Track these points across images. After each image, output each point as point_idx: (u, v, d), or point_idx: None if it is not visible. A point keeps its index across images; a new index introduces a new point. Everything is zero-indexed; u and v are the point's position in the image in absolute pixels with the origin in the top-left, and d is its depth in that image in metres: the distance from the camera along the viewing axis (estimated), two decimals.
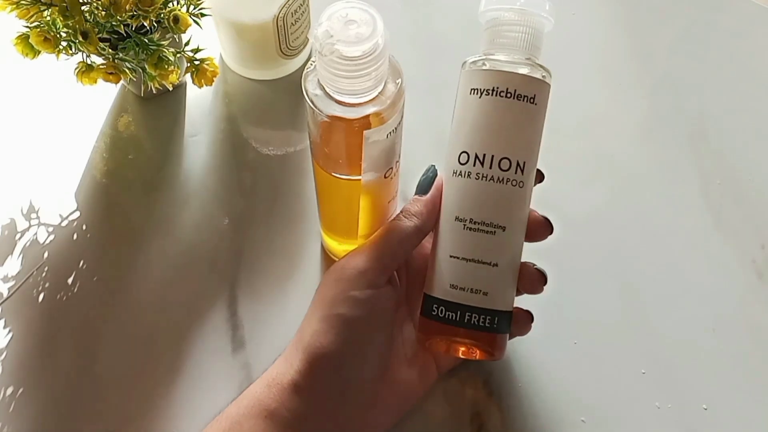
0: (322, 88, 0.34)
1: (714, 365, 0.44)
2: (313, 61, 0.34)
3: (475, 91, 0.36)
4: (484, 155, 0.36)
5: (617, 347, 0.44)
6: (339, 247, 0.45)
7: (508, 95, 0.35)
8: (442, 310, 0.37)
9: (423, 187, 0.38)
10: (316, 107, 0.34)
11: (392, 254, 0.38)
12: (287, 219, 0.48)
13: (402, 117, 0.37)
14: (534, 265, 0.39)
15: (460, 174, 0.37)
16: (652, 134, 0.52)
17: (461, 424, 0.42)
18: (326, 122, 0.35)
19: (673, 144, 0.52)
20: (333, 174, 0.38)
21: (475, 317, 0.36)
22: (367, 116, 0.34)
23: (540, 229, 0.38)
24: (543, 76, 0.36)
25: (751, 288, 0.47)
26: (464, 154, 0.36)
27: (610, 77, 0.54)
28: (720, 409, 0.43)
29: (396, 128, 0.36)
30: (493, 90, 0.35)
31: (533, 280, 0.38)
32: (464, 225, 0.36)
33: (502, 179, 0.36)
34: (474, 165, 0.36)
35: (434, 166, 0.39)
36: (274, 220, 0.48)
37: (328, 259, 0.47)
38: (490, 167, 0.36)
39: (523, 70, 0.36)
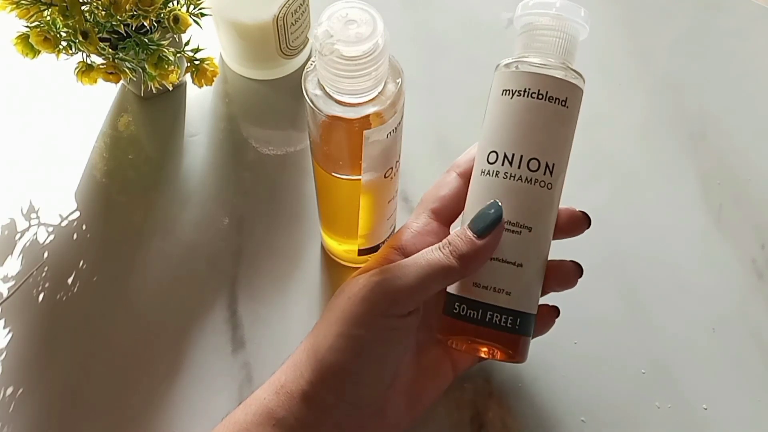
0: (322, 88, 0.34)
1: (714, 365, 0.44)
2: (313, 61, 0.34)
3: (507, 92, 0.36)
4: (513, 155, 0.36)
5: (617, 347, 0.44)
6: (339, 247, 0.45)
7: (540, 97, 0.36)
8: (464, 308, 0.36)
9: (482, 228, 0.35)
10: (316, 107, 0.34)
11: (426, 290, 0.35)
12: (287, 219, 0.48)
13: (402, 117, 0.37)
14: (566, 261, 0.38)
15: (488, 173, 0.37)
16: (652, 134, 0.52)
17: (461, 424, 0.42)
18: (326, 122, 0.35)
19: (673, 144, 0.52)
20: (333, 174, 0.38)
21: (497, 317, 0.36)
22: (367, 116, 0.34)
23: (577, 223, 0.38)
24: (575, 81, 0.36)
25: (751, 288, 0.47)
26: (493, 154, 0.36)
27: (610, 77, 0.54)
28: (720, 409, 0.43)
29: (396, 128, 0.36)
30: (525, 91, 0.36)
31: (569, 273, 0.38)
32: None
33: (530, 179, 0.36)
34: (502, 164, 0.36)
35: (500, 205, 0.36)
36: (274, 220, 0.48)
37: (328, 259, 0.47)
38: (519, 167, 0.36)
39: (556, 73, 0.36)
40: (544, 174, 0.36)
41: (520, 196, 0.36)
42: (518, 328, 0.36)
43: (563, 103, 0.36)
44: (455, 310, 0.37)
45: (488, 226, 0.36)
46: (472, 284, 0.36)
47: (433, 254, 0.36)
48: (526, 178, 0.36)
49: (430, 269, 0.35)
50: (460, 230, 0.36)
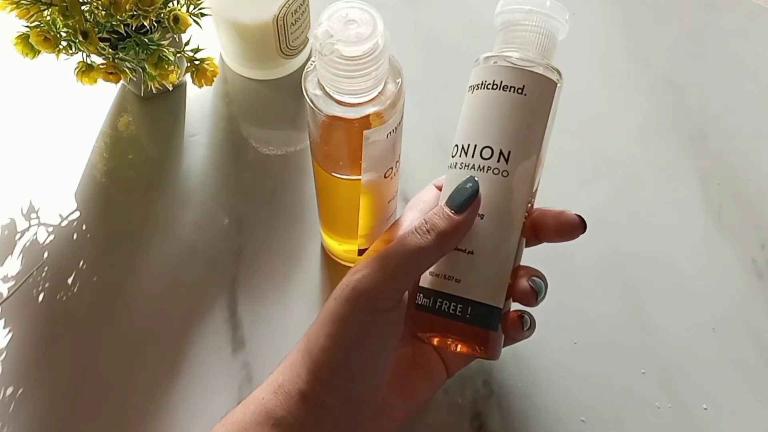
0: (322, 88, 0.34)
1: (714, 365, 0.44)
2: (313, 61, 0.34)
3: (470, 88, 0.37)
4: (468, 145, 0.36)
5: (617, 347, 0.44)
6: (339, 247, 0.45)
7: (494, 87, 0.36)
8: (420, 297, 0.37)
9: (459, 203, 0.35)
10: (316, 107, 0.35)
11: (407, 277, 0.35)
12: (287, 219, 0.48)
13: (402, 117, 0.37)
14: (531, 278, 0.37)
15: (450, 166, 0.37)
16: (652, 134, 0.52)
17: (461, 424, 0.42)
18: (326, 122, 0.35)
19: (673, 144, 0.52)
20: (333, 174, 0.38)
21: (446, 304, 0.36)
22: (367, 116, 0.34)
23: (570, 227, 0.38)
24: (532, 67, 0.36)
25: (751, 288, 0.47)
26: (455, 148, 0.37)
27: (610, 77, 0.54)
28: (720, 409, 0.43)
29: (396, 128, 0.36)
30: (481, 84, 0.36)
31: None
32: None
33: (483, 167, 0.36)
34: (460, 156, 0.36)
35: (476, 180, 0.36)
36: (274, 220, 0.48)
37: (328, 259, 0.47)
38: (472, 156, 0.36)
39: (512, 63, 0.36)
40: (498, 161, 0.36)
41: None
42: (470, 316, 0.35)
43: (519, 90, 0.36)
44: (417, 301, 0.37)
45: (466, 200, 0.35)
46: (428, 273, 0.36)
47: (410, 238, 0.35)
48: (479, 166, 0.36)
49: (406, 256, 0.35)
50: (437, 208, 0.36)
